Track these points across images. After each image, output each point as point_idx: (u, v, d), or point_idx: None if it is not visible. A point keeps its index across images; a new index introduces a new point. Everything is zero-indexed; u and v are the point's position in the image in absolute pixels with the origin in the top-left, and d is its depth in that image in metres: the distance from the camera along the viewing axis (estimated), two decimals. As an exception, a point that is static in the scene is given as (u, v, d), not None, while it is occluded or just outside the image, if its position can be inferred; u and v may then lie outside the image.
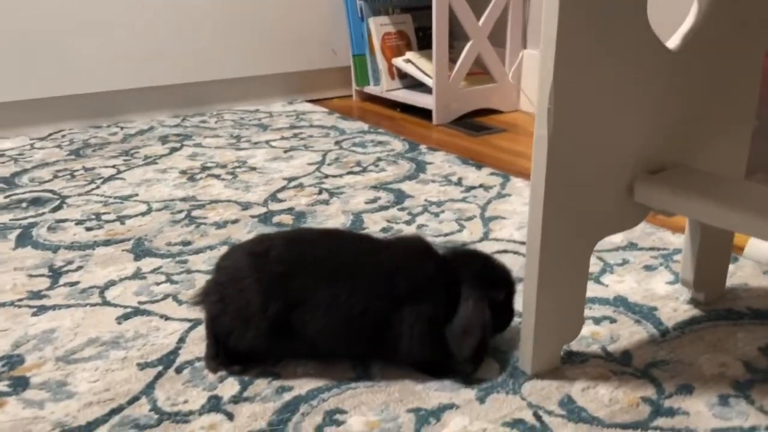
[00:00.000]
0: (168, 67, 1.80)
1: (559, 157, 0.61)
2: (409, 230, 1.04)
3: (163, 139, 1.61)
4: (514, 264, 0.92)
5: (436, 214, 1.10)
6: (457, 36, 1.87)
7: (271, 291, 0.65)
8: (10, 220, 1.12)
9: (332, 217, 1.10)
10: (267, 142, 1.57)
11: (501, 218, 1.08)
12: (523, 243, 0.99)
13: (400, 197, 1.18)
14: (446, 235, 1.02)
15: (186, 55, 1.81)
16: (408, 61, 1.88)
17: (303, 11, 1.95)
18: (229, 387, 0.67)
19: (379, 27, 1.90)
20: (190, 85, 1.86)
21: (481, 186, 1.24)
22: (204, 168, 1.38)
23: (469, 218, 1.09)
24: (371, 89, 1.98)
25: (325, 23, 2.00)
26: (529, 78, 1.82)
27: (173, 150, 1.52)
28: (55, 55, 1.65)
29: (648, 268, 0.90)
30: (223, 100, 1.94)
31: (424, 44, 2.00)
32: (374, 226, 1.06)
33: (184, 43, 1.80)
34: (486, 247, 0.97)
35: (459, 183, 1.25)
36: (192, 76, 1.85)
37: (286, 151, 1.49)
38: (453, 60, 1.73)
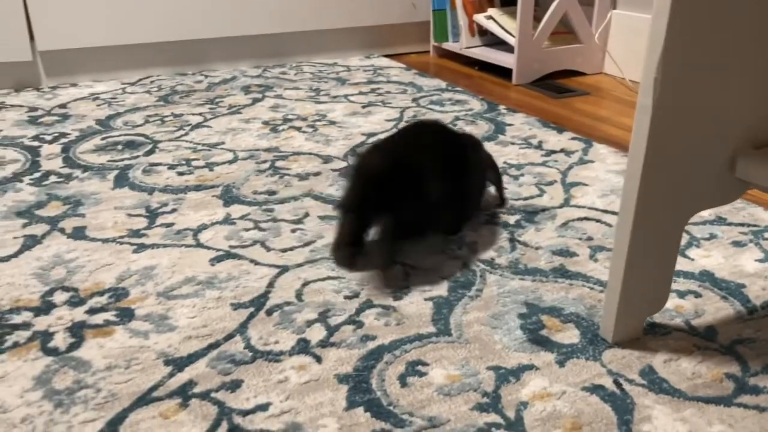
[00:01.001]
0: (251, 18, 1.83)
1: (661, 128, 0.59)
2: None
3: (246, 89, 1.65)
4: (597, 231, 0.91)
5: (516, 177, 1.10)
6: (543, -7, 1.81)
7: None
8: (108, 161, 1.18)
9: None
10: (345, 96, 1.59)
11: (583, 185, 1.07)
12: (605, 211, 0.97)
13: (479, 158, 1.18)
14: (525, 199, 1.02)
15: (268, 6, 1.83)
16: (490, 17, 1.83)
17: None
18: (317, 332, 0.70)
19: (462, -18, 1.86)
20: (271, 36, 1.89)
21: (562, 150, 1.22)
22: (285, 120, 1.41)
23: (550, 183, 1.08)
24: (450, 45, 1.96)
25: (406, -24, 1.97)
26: (616, 39, 1.75)
27: (255, 101, 1.55)
28: (146, 3, 1.70)
29: (737, 243, 0.88)
30: (302, 52, 1.96)
31: (507, 1, 1.94)
32: (453, 185, 1.07)
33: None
34: (567, 214, 0.97)
35: (539, 146, 1.24)
36: (273, 28, 1.87)
37: (364, 107, 1.50)
38: (537, 18, 1.69)
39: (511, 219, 0.96)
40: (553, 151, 1.21)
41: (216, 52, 1.85)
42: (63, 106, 1.51)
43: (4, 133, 1.32)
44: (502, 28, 1.80)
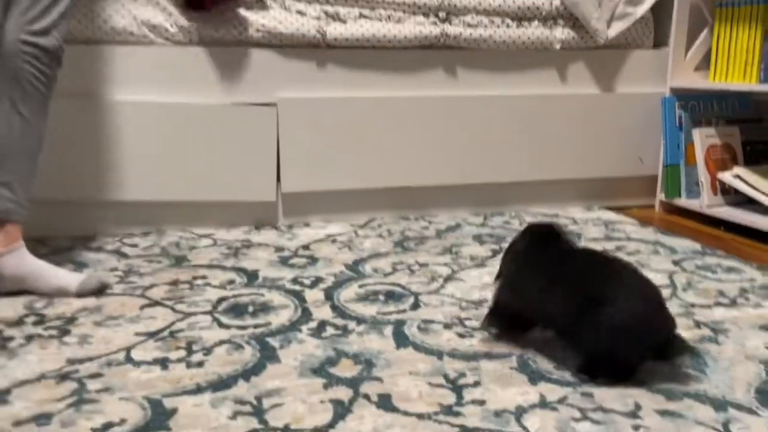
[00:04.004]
0: (471, 167, 1.83)
1: None
2: None
3: (478, 239, 1.60)
4: None
5: None
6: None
7: None
8: (377, 313, 1.13)
9: (736, 363, 0.95)
10: (591, 253, 1.48)
11: None
12: None
13: (810, 346, 1.00)
14: None
15: (490, 156, 1.83)
16: (737, 176, 1.70)
17: (613, 119, 1.89)
18: None
19: (704, 138, 1.76)
20: (490, 185, 1.87)
21: None
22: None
23: None
24: (683, 202, 1.83)
25: (634, 131, 1.91)
26: None
27: (495, 252, 1.49)
28: (374, 152, 1.75)
29: None
30: (520, 201, 1.91)
31: (750, 159, 1.81)
32: (802, 382, 0.89)
33: (486, 145, 1.82)
34: None
35: None
36: (495, 177, 1.85)
37: (619, 267, 1.38)
38: (808, 180, 1.53)
39: None
40: None
41: (436, 199, 1.85)
42: (306, 247, 1.53)
43: (263, 273, 1.33)
44: (753, 187, 1.65)
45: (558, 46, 1.81)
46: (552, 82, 1.84)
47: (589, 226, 1.73)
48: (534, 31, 1.78)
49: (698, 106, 1.84)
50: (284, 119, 1.66)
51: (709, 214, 1.73)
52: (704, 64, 1.86)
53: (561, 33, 1.81)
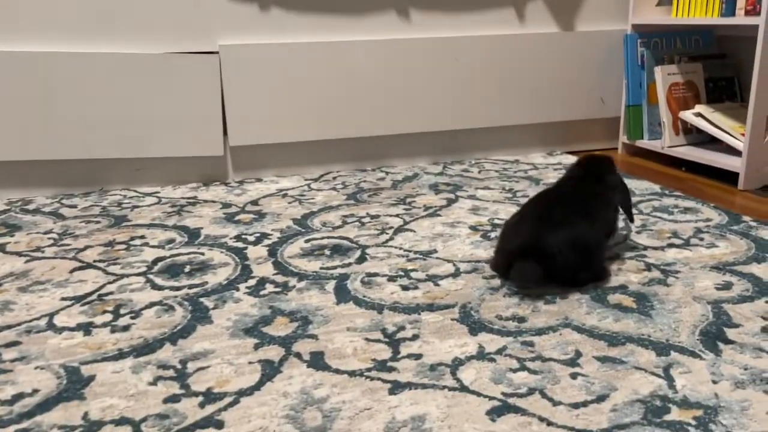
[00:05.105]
0: (429, 116, 1.76)
1: None
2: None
3: (434, 188, 1.55)
4: None
5: (827, 316, 0.88)
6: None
7: None
8: (320, 268, 1.09)
9: (683, 305, 0.92)
10: (548, 198, 1.44)
11: None
12: None
13: (760, 286, 0.98)
14: None
15: (447, 103, 1.76)
16: (699, 114, 1.66)
17: (573, 58, 1.82)
18: None
19: (666, 76, 1.71)
20: (449, 132, 1.81)
21: None
22: (494, 225, 1.28)
23: None
24: (645, 143, 1.79)
25: (595, 71, 1.85)
26: None
27: (450, 201, 1.44)
28: (329, 102, 1.68)
29: None
30: (480, 148, 1.86)
31: (713, 97, 1.77)
32: (748, 323, 0.87)
33: (443, 91, 1.75)
34: None
35: (826, 272, 1.02)
36: (453, 124, 1.79)
37: (575, 212, 1.34)
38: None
39: None
40: None
41: (394, 149, 1.79)
42: (255, 202, 1.47)
43: (206, 231, 1.28)
44: (715, 125, 1.61)
45: (515, -17, 1.73)
46: (509, 21, 1.77)
47: (550, 171, 1.69)
48: (489, -33, 1.70)
49: (661, 43, 1.78)
50: (228, 68, 1.57)
51: (671, 154, 1.70)
52: (667, -1, 1.80)
53: (518, -31, 1.72)
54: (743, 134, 1.49)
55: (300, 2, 1.61)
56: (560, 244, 0.93)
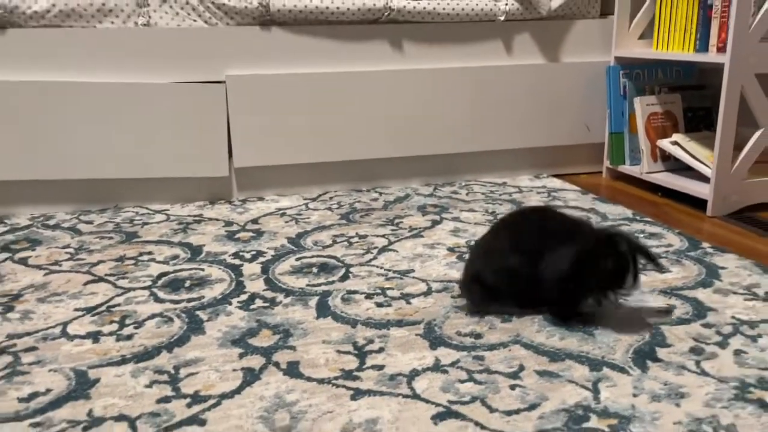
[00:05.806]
0: (421, 140, 1.88)
1: None
2: (725, 356, 0.93)
3: (422, 209, 1.66)
4: None
5: (753, 338, 0.98)
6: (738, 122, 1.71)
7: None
8: (307, 285, 1.21)
9: (624, 325, 1.02)
10: (526, 222, 1.55)
11: (837, 353, 0.93)
12: None
13: (699, 310, 1.07)
14: (770, 366, 0.90)
15: (439, 128, 1.88)
16: (675, 143, 1.75)
17: (559, 88, 1.93)
18: None
19: (644, 107, 1.81)
20: (441, 156, 1.92)
21: (796, 305, 1.08)
22: (470, 247, 1.39)
23: (794, 347, 0.95)
24: (626, 169, 1.89)
25: (581, 100, 1.95)
26: (827, 171, 1.59)
27: (434, 223, 1.56)
28: (326, 127, 1.80)
29: None
30: (470, 171, 1.97)
31: (691, 126, 1.87)
32: (679, 343, 0.97)
33: (434, 117, 1.87)
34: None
35: None
36: (444, 149, 1.90)
37: (549, 235, 1.45)
38: (737, 147, 1.58)
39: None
40: (785, 305, 1.08)
41: (389, 171, 1.91)
42: (255, 221, 1.59)
43: (207, 248, 1.40)
44: (690, 154, 1.71)
45: (502, 18, 1.84)
46: (497, 53, 1.88)
47: (533, 194, 1.79)
48: (478, 3, 1.81)
49: (642, 74, 1.88)
50: (233, 96, 1.71)
51: (648, 180, 1.80)
52: (649, 32, 1.90)
53: (505, 5, 1.83)
54: (714, 163, 1.58)
55: (299, 35, 1.74)
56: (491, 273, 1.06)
